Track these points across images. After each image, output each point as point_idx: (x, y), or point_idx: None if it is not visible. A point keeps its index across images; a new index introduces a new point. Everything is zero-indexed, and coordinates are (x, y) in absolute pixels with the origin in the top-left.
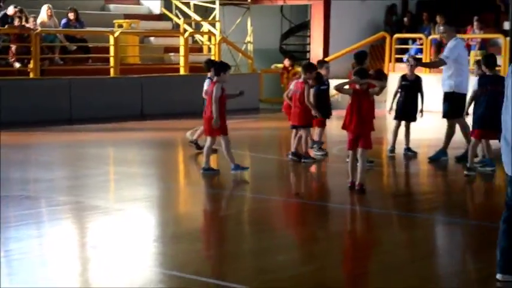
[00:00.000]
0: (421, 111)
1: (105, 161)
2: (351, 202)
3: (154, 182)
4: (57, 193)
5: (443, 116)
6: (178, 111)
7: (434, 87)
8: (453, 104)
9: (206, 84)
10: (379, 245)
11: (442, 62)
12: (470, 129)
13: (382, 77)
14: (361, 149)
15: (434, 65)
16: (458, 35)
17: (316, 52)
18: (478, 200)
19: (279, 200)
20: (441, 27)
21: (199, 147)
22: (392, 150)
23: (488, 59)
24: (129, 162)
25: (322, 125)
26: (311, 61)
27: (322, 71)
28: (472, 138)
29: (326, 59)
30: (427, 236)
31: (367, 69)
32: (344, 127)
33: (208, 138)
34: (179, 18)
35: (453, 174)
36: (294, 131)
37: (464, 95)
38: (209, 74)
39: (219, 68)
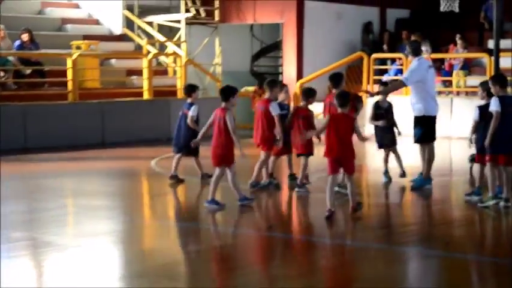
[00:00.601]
0: (399, 133)
1: (62, 193)
2: (328, 235)
3: (116, 215)
4: (10, 228)
5: (416, 141)
6: (142, 138)
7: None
8: (425, 128)
9: (192, 111)
10: (356, 281)
11: (401, 84)
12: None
13: (358, 101)
14: (346, 174)
15: (394, 88)
16: (438, 54)
17: (289, 73)
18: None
19: (251, 234)
20: (407, 46)
21: (179, 180)
22: (401, 175)
23: (502, 78)
24: (89, 195)
25: (280, 153)
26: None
27: (281, 96)
28: (490, 166)
29: (301, 81)
30: (407, 271)
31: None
32: (326, 154)
33: (217, 169)
34: (142, 39)
35: (439, 204)
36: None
37: (434, 117)
38: (189, 100)
39: (229, 92)
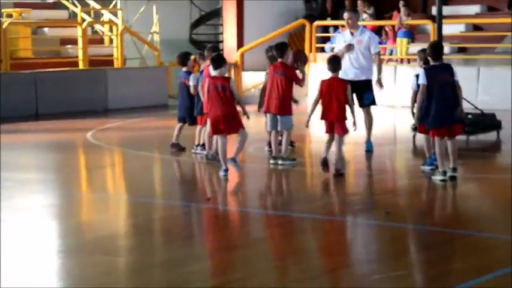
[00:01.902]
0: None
1: None
2: (268, 206)
3: (51, 188)
4: None
5: (372, 104)
6: (77, 110)
7: None
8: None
9: (191, 80)
10: (295, 252)
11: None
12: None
13: (302, 58)
14: (336, 135)
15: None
16: (381, 21)
17: (229, 42)
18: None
19: (189, 206)
20: (345, 14)
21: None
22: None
23: (437, 49)
24: (22, 168)
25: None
26: (222, 51)
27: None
28: (436, 139)
29: (242, 49)
30: (348, 241)
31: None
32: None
33: (220, 138)
34: (76, 7)
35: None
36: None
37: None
38: (184, 68)
39: (221, 60)
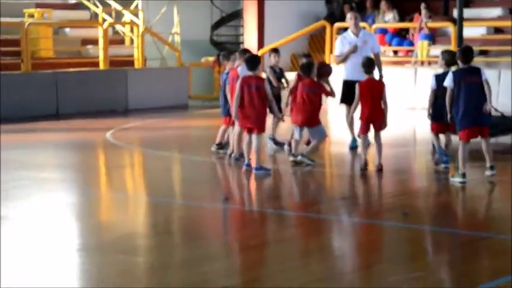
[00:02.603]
0: None
1: (15, 166)
2: (287, 207)
3: (71, 187)
4: None
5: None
6: (97, 110)
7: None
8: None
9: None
10: (311, 252)
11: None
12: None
13: (326, 71)
14: (375, 132)
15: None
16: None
17: (250, 43)
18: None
19: (209, 206)
20: (350, 14)
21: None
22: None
23: (467, 52)
24: (42, 167)
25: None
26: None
27: (273, 59)
28: (461, 141)
29: (262, 50)
30: (373, 243)
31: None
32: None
33: (250, 136)
34: (97, 7)
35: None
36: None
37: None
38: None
39: (257, 61)
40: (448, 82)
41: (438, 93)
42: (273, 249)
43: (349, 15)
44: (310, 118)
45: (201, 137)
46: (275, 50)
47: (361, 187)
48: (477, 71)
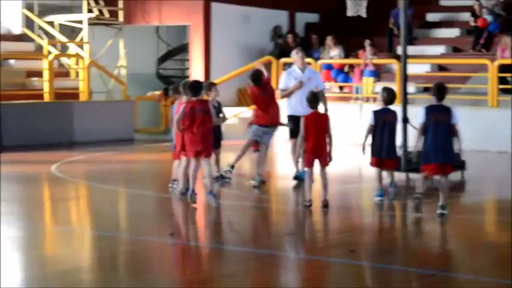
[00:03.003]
0: None
1: None
2: (234, 242)
3: (15, 221)
4: None
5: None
6: (42, 142)
7: None
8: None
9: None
10: None
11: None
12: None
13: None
14: (321, 167)
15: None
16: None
17: (196, 76)
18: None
19: (153, 241)
20: (296, 51)
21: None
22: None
23: (440, 89)
24: None
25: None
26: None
27: (212, 94)
28: (420, 176)
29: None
30: (318, 279)
31: None
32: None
33: (193, 161)
34: (42, 39)
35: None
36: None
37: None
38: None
39: (200, 86)
40: (420, 118)
41: (377, 128)
42: (218, 285)
43: (294, 51)
44: None
45: (146, 171)
46: (212, 84)
47: (307, 223)
48: (448, 110)
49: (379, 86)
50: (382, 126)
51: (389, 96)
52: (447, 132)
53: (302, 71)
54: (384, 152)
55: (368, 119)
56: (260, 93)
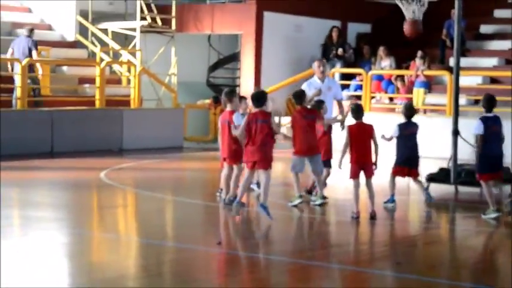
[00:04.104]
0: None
1: (7, 204)
2: (281, 253)
3: (63, 227)
4: None
5: None
6: (92, 149)
7: None
8: None
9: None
10: None
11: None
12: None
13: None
14: (366, 178)
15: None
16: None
17: (246, 85)
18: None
19: (202, 249)
20: (317, 62)
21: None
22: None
23: (490, 101)
24: (36, 205)
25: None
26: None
27: (242, 107)
28: (483, 183)
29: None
30: None
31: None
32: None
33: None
34: (95, 46)
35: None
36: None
37: None
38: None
39: (264, 97)
40: (478, 129)
41: (400, 140)
42: None
43: (316, 63)
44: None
45: (195, 179)
46: (242, 98)
47: (354, 234)
48: (499, 121)
49: (430, 98)
50: (406, 138)
51: (409, 112)
52: (500, 141)
53: (322, 80)
54: (410, 161)
55: (393, 132)
56: (301, 116)
